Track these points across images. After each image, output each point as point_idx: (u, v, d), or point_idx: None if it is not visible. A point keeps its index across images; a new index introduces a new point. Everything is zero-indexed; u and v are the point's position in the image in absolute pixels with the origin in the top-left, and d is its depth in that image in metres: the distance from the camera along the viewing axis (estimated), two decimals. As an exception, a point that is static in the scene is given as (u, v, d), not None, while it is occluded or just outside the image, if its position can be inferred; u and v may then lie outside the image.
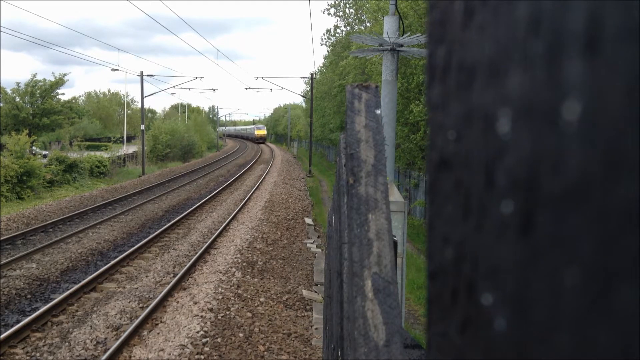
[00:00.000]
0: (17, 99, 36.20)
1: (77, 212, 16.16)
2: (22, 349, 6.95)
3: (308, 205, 19.13)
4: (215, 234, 12.86)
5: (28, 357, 6.69)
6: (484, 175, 0.28)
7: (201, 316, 7.48)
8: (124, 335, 6.78)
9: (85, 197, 19.57)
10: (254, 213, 16.21)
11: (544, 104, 0.22)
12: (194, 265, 10.33)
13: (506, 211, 0.25)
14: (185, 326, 7.11)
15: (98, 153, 29.80)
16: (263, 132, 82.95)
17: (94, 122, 65.14)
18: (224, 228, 13.77)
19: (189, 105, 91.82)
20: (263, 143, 79.56)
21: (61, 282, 9.87)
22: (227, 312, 7.73)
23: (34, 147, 28.17)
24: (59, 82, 37.58)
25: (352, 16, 32.72)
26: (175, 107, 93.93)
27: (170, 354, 6.29)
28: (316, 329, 7.43)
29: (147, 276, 9.91)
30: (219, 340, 6.79)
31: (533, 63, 0.23)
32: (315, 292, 9.18)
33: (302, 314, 8.09)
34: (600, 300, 0.19)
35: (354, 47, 19.73)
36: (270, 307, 8.24)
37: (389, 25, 7.22)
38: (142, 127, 31.60)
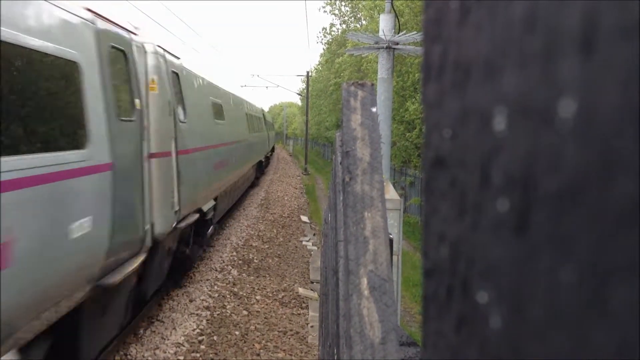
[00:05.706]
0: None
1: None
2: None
3: (304, 203, 19.13)
4: (210, 231, 12.83)
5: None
6: (479, 174, 0.28)
7: (197, 314, 7.47)
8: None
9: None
10: (250, 211, 16.19)
11: (540, 102, 0.22)
12: (189, 263, 10.30)
13: (502, 209, 0.25)
14: (181, 324, 7.10)
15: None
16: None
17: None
18: (220, 225, 13.75)
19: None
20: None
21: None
22: (223, 310, 7.72)
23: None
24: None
25: (347, 14, 32.67)
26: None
27: (166, 352, 6.28)
28: (312, 326, 7.43)
29: (142, 274, 9.88)
30: (214, 338, 6.79)
31: (529, 61, 0.23)
32: (311, 289, 9.18)
33: (298, 312, 8.10)
34: (597, 299, 0.19)
35: (350, 45, 19.71)
36: (266, 304, 8.24)
37: (385, 23, 7.22)
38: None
